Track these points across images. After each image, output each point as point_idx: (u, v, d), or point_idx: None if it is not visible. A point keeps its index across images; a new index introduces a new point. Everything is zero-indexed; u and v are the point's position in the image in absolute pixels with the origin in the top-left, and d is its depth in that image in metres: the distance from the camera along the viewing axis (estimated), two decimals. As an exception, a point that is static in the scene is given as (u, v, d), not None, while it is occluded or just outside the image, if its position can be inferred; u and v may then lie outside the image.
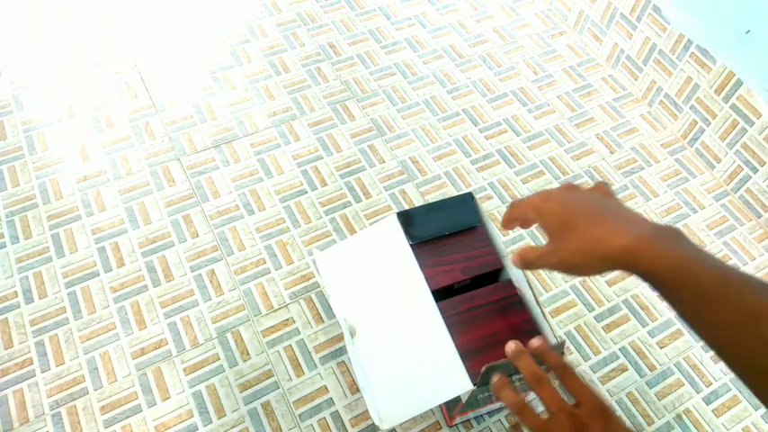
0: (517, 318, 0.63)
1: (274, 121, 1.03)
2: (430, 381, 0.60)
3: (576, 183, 0.55)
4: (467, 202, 0.71)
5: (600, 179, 0.99)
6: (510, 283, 0.66)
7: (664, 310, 0.86)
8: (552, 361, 0.51)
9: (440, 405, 0.76)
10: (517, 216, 0.53)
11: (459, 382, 0.58)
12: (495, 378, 0.53)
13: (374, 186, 0.96)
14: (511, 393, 0.51)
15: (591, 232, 0.46)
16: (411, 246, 0.67)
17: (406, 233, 0.68)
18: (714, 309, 0.40)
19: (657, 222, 0.46)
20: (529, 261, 0.52)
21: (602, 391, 0.79)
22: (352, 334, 0.64)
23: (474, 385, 0.58)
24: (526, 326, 0.63)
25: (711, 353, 0.83)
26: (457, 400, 0.64)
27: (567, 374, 0.50)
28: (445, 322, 0.62)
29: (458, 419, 0.74)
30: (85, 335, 0.80)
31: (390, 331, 0.64)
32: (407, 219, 0.69)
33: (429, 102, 1.07)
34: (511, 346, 0.53)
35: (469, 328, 0.62)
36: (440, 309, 0.63)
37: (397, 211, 0.81)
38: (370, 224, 0.92)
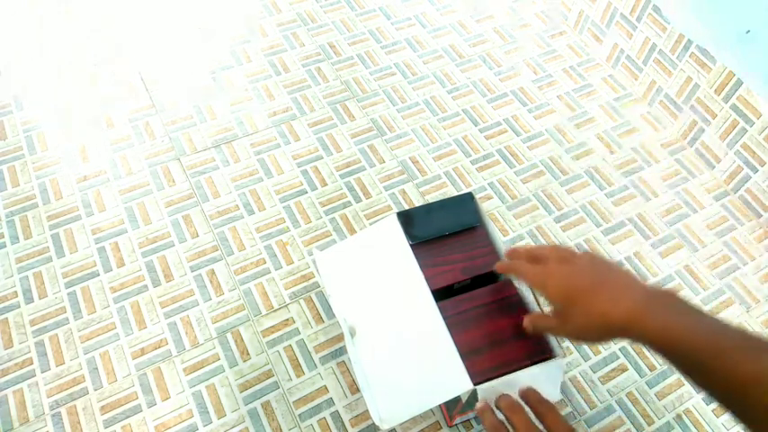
0: (517, 318, 0.63)
1: (274, 121, 1.03)
2: (430, 381, 0.60)
3: (566, 246, 0.61)
4: (467, 202, 0.71)
5: (599, 178, 0.99)
6: (510, 282, 0.66)
7: (664, 310, 0.86)
8: (533, 398, 0.55)
9: (440, 405, 0.76)
10: (517, 276, 0.58)
11: (459, 382, 0.58)
12: (480, 403, 0.56)
13: (374, 186, 0.96)
14: (491, 416, 0.54)
15: (593, 306, 0.49)
16: (411, 246, 0.67)
17: (406, 233, 0.68)
18: (709, 378, 0.42)
19: (652, 286, 0.49)
20: (540, 330, 0.57)
21: (602, 391, 0.79)
22: (353, 334, 0.64)
23: (474, 385, 0.58)
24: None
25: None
26: (457, 399, 0.64)
27: (544, 409, 0.53)
28: (445, 322, 0.62)
29: (458, 419, 0.74)
30: (85, 335, 0.80)
31: (390, 331, 0.64)
32: (407, 219, 0.69)
33: (429, 102, 1.07)
34: (480, 405, 0.56)
35: (470, 327, 0.62)
36: (440, 309, 0.63)
37: (397, 211, 0.81)
38: (370, 224, 0.92)
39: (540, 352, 0.61)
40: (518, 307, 0.64)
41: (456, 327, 0.62)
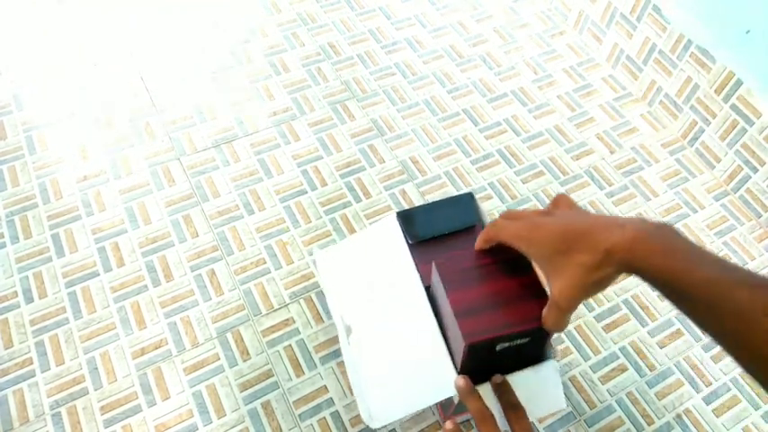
0: (526, 278, 0.56)
1: (274, 121, 1.03)
2: (422, 381, 0.59)
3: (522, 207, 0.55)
4: (467, 202, 0.71)
5: (599, 178, 0.99)
6: None
7: (664, 310, 0.86)
8: (506, 400, 0.53)
9: (436, 406, 0.76)
10: (499, 239, 0.53)
11: (450, 383, 0.58)
12: (461, 381, 0.53)
13: (374, 186, 0.96)
14: (476, 400, 0.52)
15: (595, 242, 0.44)
16: (410, 245, 0.67)
17: (406, 232, 0.68)
18: (713, 309, 0.39)
19: (648, 219, 0.45)
20: (559, 324, 0.49)
21: (602, 391, 0.79)
22: (348, 333, 0.64)
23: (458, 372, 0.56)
24: (533, 288, 0.56)
25: (711, 353, 0.83)
26: (450, 401, 0.64)
27: (516, 415, 0.51)
28: (443, 280, 0.56)
29: (456, 419, 0.74)
30: (85, 335, 0.80)
31: (385, 331, 0.64)
32: (407, 218, 0.69)
33: (429, 102, 1.07)
34: (460, 381, 0.54)
35: (468, 286, 0.56)
36: (436, 266, 0.57)
37: (397, 210, 0.81)
38: (371, 224, 0.92)
39: (539, 316, 0.54)
40: (525, 267, 0.57)
41: (452, 285, 0.56)
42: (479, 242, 0.56)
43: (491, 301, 0.55)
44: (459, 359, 0.56)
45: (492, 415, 0.52)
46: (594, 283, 0.45)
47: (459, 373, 0.57)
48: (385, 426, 0.64)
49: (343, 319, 0.65)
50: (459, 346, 0.54)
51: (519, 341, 0.54)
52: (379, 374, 0.61)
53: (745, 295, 0.38)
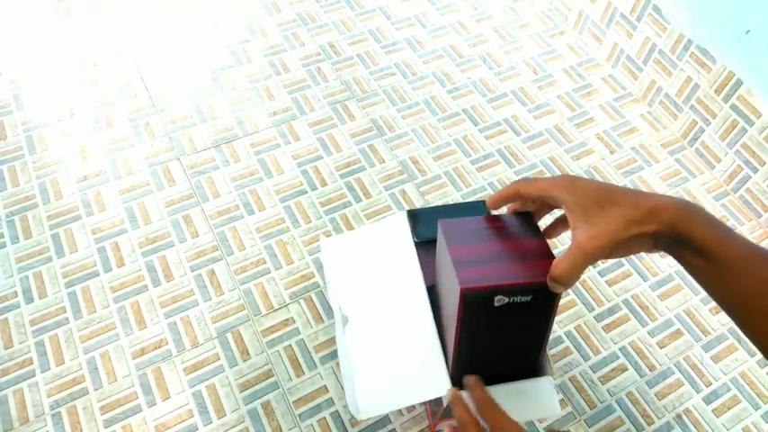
0: (537, 242, 0.53)
1: (274, 121, 1.03)
2: (413, 378, 0.59)
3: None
4: (478, 208, 0.70)
5: (600, 178, 0.99)
6: (531, 216, 0.58)
7: (664, 310, 0.86)
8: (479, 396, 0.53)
9: (426, 409, 0.76)
10: (533, 195, 0.49)
11: (441, 384, 0.58)
12: (450, 391, 0.54)
13: (374, 186, 0.96)
14: (462, 409, 0.52)
15: (642, 200, 0.44)
16: (415, 243, 0.67)
17: (413, 231, 0.68)
18: (742, 280, 0.40)
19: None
20: (570, 272, 0.46)
21: (602, 391, 0.79)
22: (344, 323, 0.64)
23: (452, 385, 0.57)
24: (541, 251, 0.53)
25: (711, 353, 0.83)
26: (440, 403, 0.64)
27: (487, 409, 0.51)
28: (445, 237, 0.54)
29: (440, 425, 0.73)
30: (85, 335, 0.80)
31: (381, 326, 0.64)
32: (416, 217, 0.69)
33: (429, 102, 1.07)
34: (451, 390, 0.55)
35: (474, 242, 0.54)
36: (441, 224, 0.55)
37: (408, 209, 0.81)
38: (377, 221, 0.92)
39: (543, 274, 0.51)
40: (536, 232, 0.54)
41: (456, 241, 0.53)
42: (497, 198, 0.53)
43: (495, 256, 0.52)
44: (452, 335, 0.54)
45: (476, 423, 0.51)
46: (629, 239, 0.43)
47: (456, 339, 0.55)
48: (377, 416, 0.64)
49: (341, 309, 0.65)
50: (453, 309, 0.51)
51: (520, 299, 0.50)
52: (371, 368, 0.61)
53: None
